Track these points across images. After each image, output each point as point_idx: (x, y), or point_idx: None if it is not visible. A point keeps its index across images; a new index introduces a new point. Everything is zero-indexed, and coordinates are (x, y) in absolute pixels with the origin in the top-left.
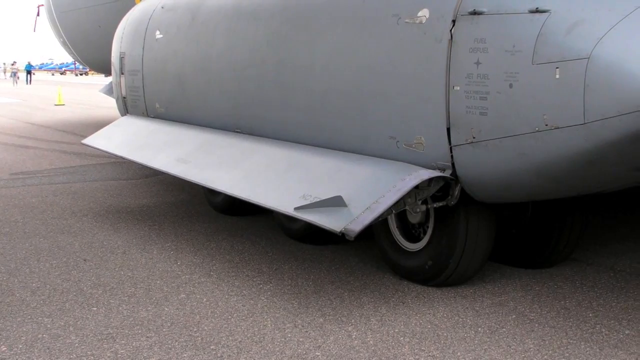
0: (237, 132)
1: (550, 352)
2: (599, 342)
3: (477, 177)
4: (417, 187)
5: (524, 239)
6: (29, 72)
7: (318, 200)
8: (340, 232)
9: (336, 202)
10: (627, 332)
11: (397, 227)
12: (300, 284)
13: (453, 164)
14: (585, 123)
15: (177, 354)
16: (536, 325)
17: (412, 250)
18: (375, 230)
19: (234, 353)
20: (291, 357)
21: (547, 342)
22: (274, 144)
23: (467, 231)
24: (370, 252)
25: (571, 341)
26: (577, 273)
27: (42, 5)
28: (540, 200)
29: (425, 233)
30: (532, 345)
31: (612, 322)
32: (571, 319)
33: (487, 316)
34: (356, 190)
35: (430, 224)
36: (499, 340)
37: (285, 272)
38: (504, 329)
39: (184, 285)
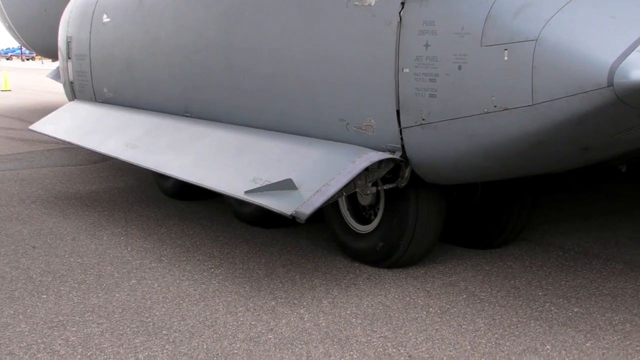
0: (187, 116)
1: (500, 330)
2: (549, 320)
3: (427, 159)
4: (367, 169)
5: (474, 220)
6: None
7: (268, 183)
8: (291, 215)
9: (287, 185)
10: (575, 309)
11: (347, 209)
12: (252, 268)
13: (403, 146)
14: (533, 104)
15: (128, 340)
16: (486, 304)
17: (363, 232)
18: (326, 213)
19: (186, 338)
20: (243, 341)
21: (497, 321)
22: (224, 127)
23: (417, 212)
24: (321, 234)
25: (521, 320)
26: (526, 253)
27: None
28: (489, 181)
29: (375, 215)
30: (482, 325)
31: (561, 300)
32: (521, 298)
33: (438, 296)
34: (307, 173)
35: (381, 206)
36: (450, 320)
37: (236, 256)
38: (455, 309)
39: (134, 270)
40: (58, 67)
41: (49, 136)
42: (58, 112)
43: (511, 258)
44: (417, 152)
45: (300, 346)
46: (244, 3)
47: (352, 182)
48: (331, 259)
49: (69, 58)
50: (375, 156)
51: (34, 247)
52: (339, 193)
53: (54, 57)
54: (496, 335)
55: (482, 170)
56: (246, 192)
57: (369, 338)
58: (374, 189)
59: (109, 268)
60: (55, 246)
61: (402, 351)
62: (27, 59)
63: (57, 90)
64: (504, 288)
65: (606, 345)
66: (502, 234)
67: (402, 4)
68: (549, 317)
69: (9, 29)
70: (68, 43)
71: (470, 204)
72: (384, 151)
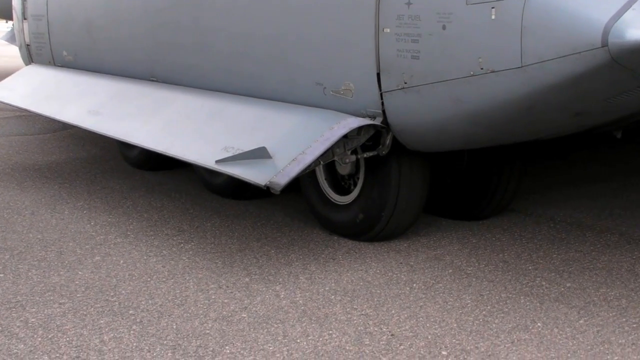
0: (153, 80)
1: (488, 307)
2: (540, 295)
3: (410, 125)
4: (346, 136)
5: (459, 190)
6: None
7: (241, 152)
8: (265, 185)
9: (260, 154)
10: (568, 284)
11: (325, 179)
12: (224, 242)
13: (384, 111)
14: (522, 66)
15: (92, 320)
16: (474, 279)
17: (342, 204)
18: (303, 183)
19: (154, 318)
20: (216, 320)
21: (485, 297)
22: (193, 92)
23: (399, 182)
24: (297, 206)
25: (510, 295)
26: (515, 224)
27: None
28: (476, 148)
29: (355, 185)
30: (469, 301)
31: (552, 274)
32: (510, 273)
33: (422, 271)
34: (281, 141)
35: (361, 176)
36: (435, 296)
37: (207, 229)
38: (440, 285)
39: (98, 246)
40: (13, 28)
41: (4, 103)
42: (14, 77)
43: (500, 230)
44: (399, 118)
45: (276, 325)
46: None
47: (330, 150)
48: (308, 232)
49: (25, 18)
50: (354, 122)
51: None
52: (316, 162)
53: (9, 18)
54: (484, 312)
55: (469, 137)
56: (217, 162)
57: (349, 316)
58: (353, 158)
59: (70, 244)
60: (12, 221)
61: (384, 329)
62: None
63: (13, 53)
64: (492, 262)
65: (600, 322)
66: (490, 204)
67: None
68: (540, 292)
69: None
70: (23, 2)
71: (456, 173)
72: (363, 117)
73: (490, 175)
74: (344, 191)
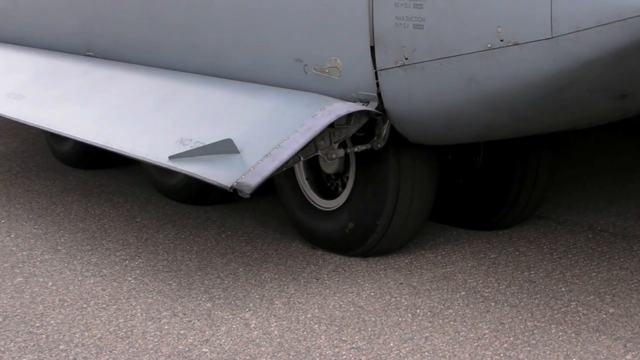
0: (90, 56)
1: (511, 338)
2: (575, 324)
3: (412, 112)
4: (332, 125)
5: (474, 192)
6: None
7: (201, 145)
8: (232, 187)
9: (225, 148)
10: (611, 310)
11: (307, 179)
12: (180, 259)
13: (379, 95)
14: (553, 37)
15: (13, 358)
16: (492, 304)
17: (328, 210)
18: (278, 185)
19: (92, 354)
20: (170, 357)
21: (506, 326)
22: (141, 71)
23: (399, 183)
24: (272, 213)
25: (538, 324)
26: (544, 235)
27: None
28: (495, 140)
29: (344, 186)
30: (487, 331)
31: (591, 298)
32: (538, 296)
33: (427, 294)
34: (252, 132)
35: (351, 175)
36: (443, 325)
37: (159, 242)
38: (451, 310)
39: (21, 265)
40: None
41: None
42: None
43: (525, 242)
44: (399, 103)
45: None
46: None
47: (313, 143)
48: (285, 245)
49: None
50: (342, 108)
51: None
52: (295, 157)
53: None
54: (505, 345)
55: (485, 127)
56: (171, 158)
57: (336, 350)
58: (341, 152)
59: None
60: None
61: None
62: None
63: None
64: (516, 282)
65: None
66: (513, 209)
67: None
68: (576, 320)
69: None
70: None
71: (469, 171)
72: (354, 101)
73: (513, 173)
74: (329, 194)
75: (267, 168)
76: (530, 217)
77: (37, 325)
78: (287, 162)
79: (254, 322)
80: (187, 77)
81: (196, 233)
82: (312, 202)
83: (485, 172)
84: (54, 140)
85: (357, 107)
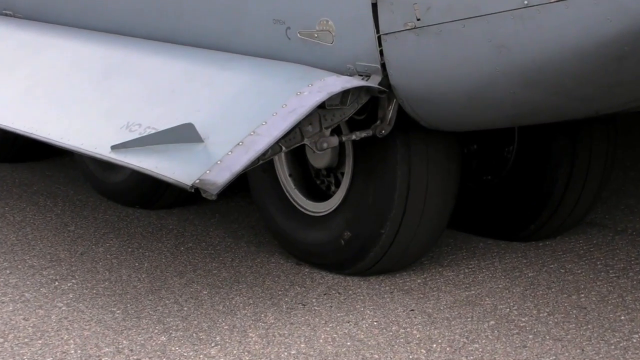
0: (7, 15)
1: None
2: None
3: (426, 88)
4: (323, 106)
5: (506, 191)
6: None
7: (153, 132)
8: (193, 186)
9: (185, 135)
10: None
11: (290, 175)
12: (127, 279)
13: (384, 66)
14: None
15: None
16: (530, 336)
17: (318, 215)
18: (253, 183)
19: None
20: None
21: None
22: (77, 36)
23: (409, 180)
24: (245, 220)
25: None
26: (598, 247)
27: None
28: (533, 125)
29: (338, 185)
30: None
31: None
32: (590, 326)
33: (446, 323)
34: (219, 114)
35: (347, 170)
36: None
37: (98, 258)
38: (476, 345)
39: None
40: None
41: None
42: None
43: (572, 256)
44: (409, 76)
45: None
46: None
47: (298, 129)
48: (263, 260)
49: None
50: (335, 83)
51: None
52: (275, 148)
53: None
54: None
55: (520, 108)
56: (114, 148)
57: None
58: (335, 141)
59: None
60: None
61: None
62: None
63: None
64: (561, 308)
65: None
66: (557, 214)
67: None
68: (639, 357)
69: None
70: None
71: (500, 165)
72: (351, 75)
73: (557, 168)
74: (319, 195)
75: (239, 161)
76: (579, 224)
77: None
78: (264, 154)
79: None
80: (136, 44)
81: (147, 245)
82: (296, 205)
83: (521, 166)
84: None
85: (354, 82)
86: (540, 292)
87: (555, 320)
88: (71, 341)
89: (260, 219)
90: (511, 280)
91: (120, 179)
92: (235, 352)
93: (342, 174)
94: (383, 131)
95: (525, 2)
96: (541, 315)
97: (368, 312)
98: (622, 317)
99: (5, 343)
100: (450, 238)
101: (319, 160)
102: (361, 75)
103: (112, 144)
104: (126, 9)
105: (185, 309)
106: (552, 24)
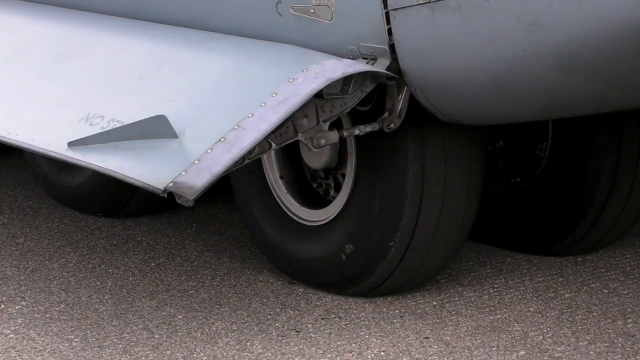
0: None
1: None
2: None
3: (443, 73)
4: (320, 95)
5: (538, 197)
6: None
7: (118, 125)
8: (166, 190)
9: (156, 130)
10: None
11: (281, 177)
12: (87, 300)
13: (393, 47)
14: None
15: None
16: None
17: (314, 224)
18: (238, 187)
19: None
20: None
21: None
22: (26, 12)
23: (422, 182)
24: (227, 230)
25: None
26: None
27: None
28: (570, 118)
29: (339, 189)
30: None
31: None
32: (639, 357)
33: (467, 353)
34: (197, 104)
35: (350, 171)
36: None
37: (53, 276)
38: None
39: None
40: None
41: None
42: None
43: (617, 274)
44: (423, 60)
45: None
46: None
47: (290, 123)
48: (249, 279)
49: None
50: (335, 68)
51: None
52: (264, 144)
53: None
54: None
55: (555, 97)
56: (71, 145)
57: None
58: (334, 136)
59: None
60: None
61: None
62: None
63: None
64: (604, 336)
65: None
66: (598, 224)
67: None
68: None
69: None
70: None
71: (531, 165)
72: (353, 58)
73: (598, 169)
74: (316, 200)
75: (221, 161)
76: (625, 235)
77: None
78: (250, 152)
79: None
80: (96, 20)
81: (111, 261)
82: (289, 213)
83: (556, 167)
84: None
85: (357, 66)
86: (579, 316)
87: (598, 350)
88: None
89: (246, 230)
90: (545, 303)
91: (79, 182)
92: None
93: (343, 175)
94: (392, 125)
95: None
96: (580, 344)
97: (374, 340)
98: None
99: None
100: (472, 252)
101: (316, 159)
102: (366, 59)
103: (69, 140)
104: None
105: (157, 336)
106: None
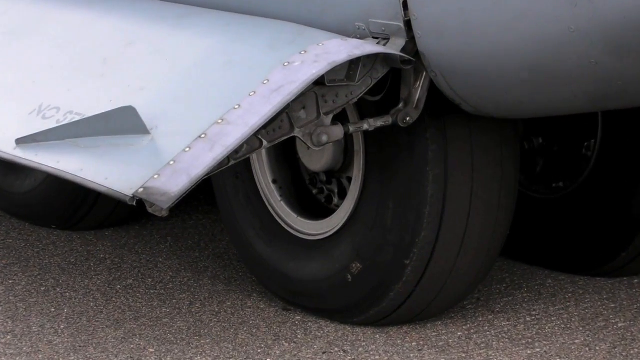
0: None
1: None
2: None
3: (468, 57)
4: (322, 82)
5: (585, 205)
6: None
7: (77, 118)
8: (135, 197)
9: (123, 124)
10: None
11: (274, 181)
12: (39, 330)
13: (409, 24)
14: None
15: None
16: None
17: (314, 238)
18: (221, 193)
19: None
20: None
21: None
22: None
23: (445, 188)
24: (209, 244)
25: None
26: None
27: None
28: (621, 110)
29: (343, 196)
30: None
31: None
32: None
33: None
34: (172, 94)
35: (357, 174)
36: None
37: (14, 302)
38: None
39: None
40: None
41: None
42: None
43: None
44: (445, 40)
45: None
46: None
47: (286, 115)
48: (235, 304)
49: None
50: (339, 50)
51: None
52: (253, 142)
53: None
54: None
55: (605, 85)
56: (19, 143)
57: None
58: (339, 132)
59: None
60: None
61: None
62: None
63: None
64: None
65: None
66: None
67: None
68: None
69: None
70: None
71: (576, 167)
72: (361, 38)
73: None
74: (317, 210)
75: (201, 162)
76: None
77: None
78: (237, 151)
79: None
80: None
81: (68, 283)
82: (283, 225)
83: (606, 170)
84: None
85: (366, 47)
86: (636, 349)
87: None
88: None
89: (231, 245)
90: (593, 333)
91: (30, 188)
92: None
93: (349, 179)
94: (408, 118)
95: None
96: None
97: None
98: None
99: None
100: (506, 272)
101: (316, 160)
102: (376, 38)
103: (17, 137)
104: None
105: None
106: None
